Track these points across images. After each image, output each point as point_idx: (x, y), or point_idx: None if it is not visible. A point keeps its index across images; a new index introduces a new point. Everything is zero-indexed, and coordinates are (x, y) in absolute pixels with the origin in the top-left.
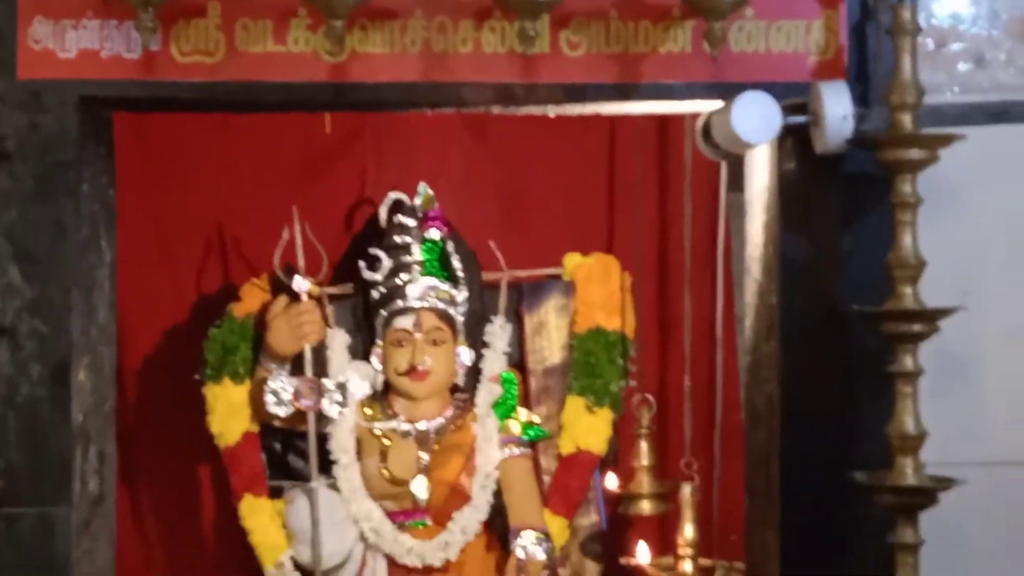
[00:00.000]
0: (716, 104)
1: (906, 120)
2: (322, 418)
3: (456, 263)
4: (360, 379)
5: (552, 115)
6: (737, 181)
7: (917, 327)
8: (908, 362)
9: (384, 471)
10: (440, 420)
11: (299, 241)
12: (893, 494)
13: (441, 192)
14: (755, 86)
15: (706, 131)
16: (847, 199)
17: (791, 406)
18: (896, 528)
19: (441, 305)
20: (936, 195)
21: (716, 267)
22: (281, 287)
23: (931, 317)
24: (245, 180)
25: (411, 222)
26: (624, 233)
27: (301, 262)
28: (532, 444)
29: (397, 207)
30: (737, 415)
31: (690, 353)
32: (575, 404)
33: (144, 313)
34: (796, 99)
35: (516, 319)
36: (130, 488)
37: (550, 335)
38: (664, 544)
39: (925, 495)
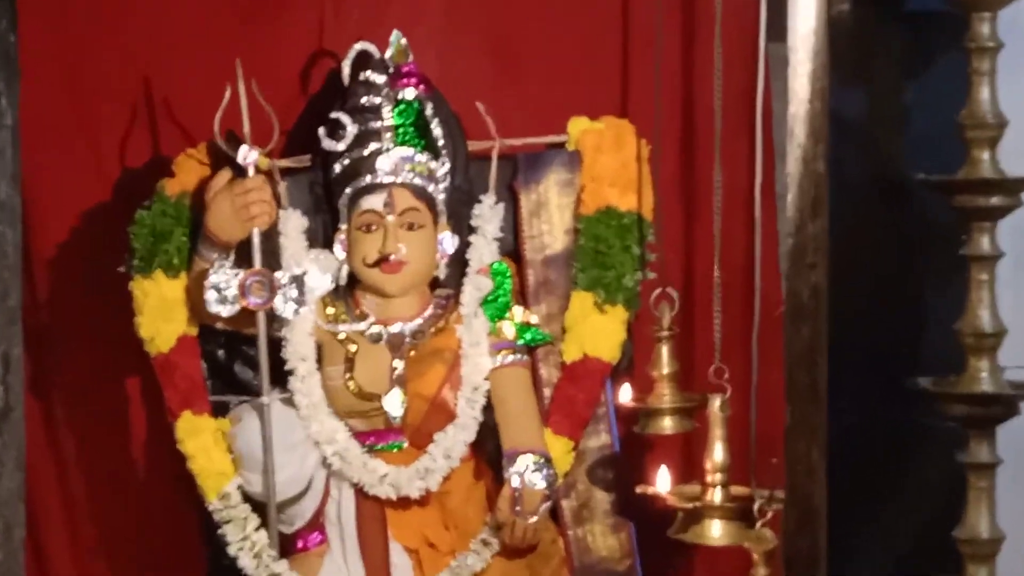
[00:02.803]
0: None
1: None
2: (274, 319)
3: (436, 129)
4: (320, 271)
5: None
6: (778, 25)
7: (995, 200)
8: (984, 243)
9: (350, 383)
10: (418, 321)
11: (244, 102)
12: (964, 403)
13: (417, 42)
14: None
15: None
16: (910, 44)
17: (841, 297)
18: (967, 444)
19: (418, 180)
20: (1020, 38)
21: (752, 131)
22: (223, 159)
23: (1012, 188)
24: (179, 26)
25: (381, 79)
26: (641, 91)
27: (247, 128)
28: (529, 350)
29: (363, 61)
30: (777, 310)
31: (720, 237)
32: (581, 301)
33: (56, 189)
34: None
35: (510, 197)
36: (41, 401)
37: (551, 217)
38: (689, 469)
39: (1003, 404)
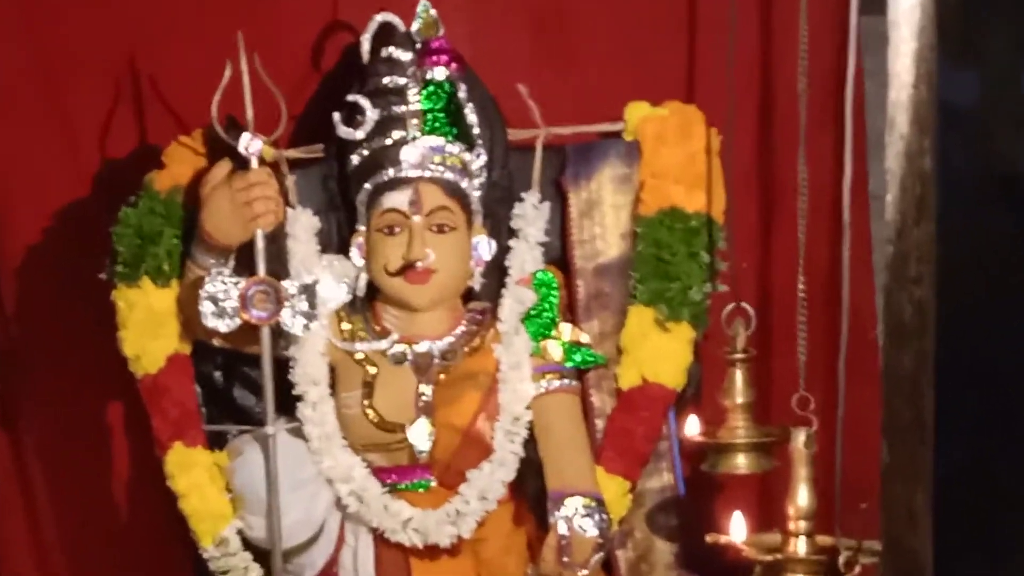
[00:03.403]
0: None
1: None
2: (281, 336)
3: (470, 115)
4: (334, 280)
5: None
6: None
7: None
8: None
9: (369, 411)
10: (448, 339)
11: (246, 82)
12: None
13: (448, 12)
14: None
15: None
16: None
17: (950, 315)
18: None
19: (449, 175)
20: None
21: (840, 120)
22: (222, 148)
23: None
24: None
25: (406, 56)
26: (711, 73)
27: (250, 113)
28: (579, 374)
29: (386, 34)
30: (872, 330)
31: (805, 243)
32: (640, 317)
33: (26, 184)
34: None
35: (557, 195)
36: (8, 430)
37: (604, 218)
38: (766, 515)
39: None
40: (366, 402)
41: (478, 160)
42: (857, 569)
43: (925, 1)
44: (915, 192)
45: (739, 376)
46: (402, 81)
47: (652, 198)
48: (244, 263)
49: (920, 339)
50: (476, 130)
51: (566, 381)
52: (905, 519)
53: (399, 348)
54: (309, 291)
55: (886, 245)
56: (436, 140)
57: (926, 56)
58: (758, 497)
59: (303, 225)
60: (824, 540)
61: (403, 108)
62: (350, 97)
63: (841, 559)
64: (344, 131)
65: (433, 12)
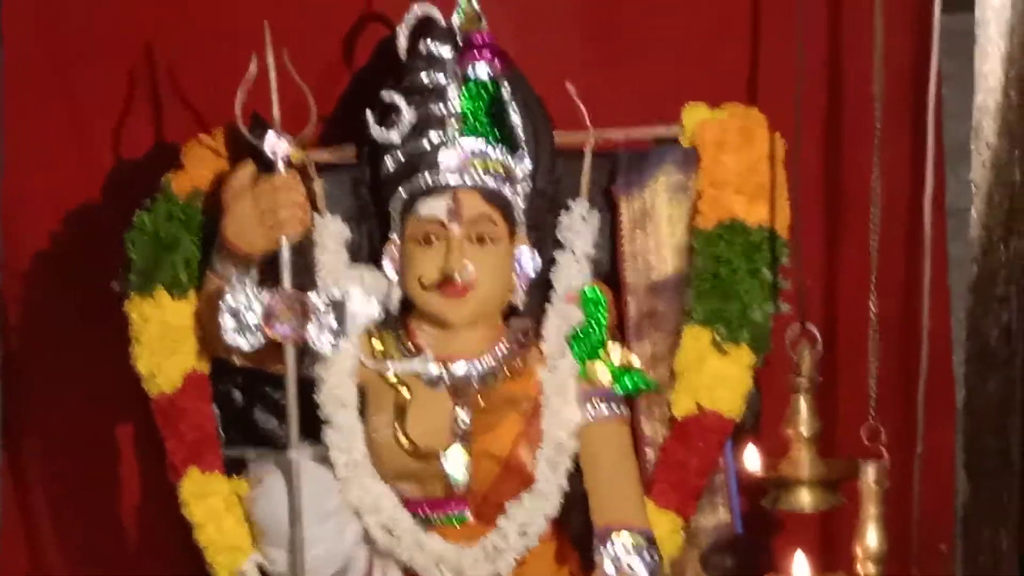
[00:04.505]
0: None
1: None
2: (307, 354)
3: (514, 116)
4: (365, 294)
5: None
6: None
7: None
8: None
9: (401, 437)
10: (488, 360)
11: (273, 77)
12: None
13: (493, 5)
14: None
15: None
16: None
17: None
18: None
19: (491, 181)
20: None
21: (915, 126)
22: (245, 149)
23: None
24: None
25: (446, 52)
26: (776, 73)
27: (276, 111)
28: (629, 400)
29: (424, 28)
30: (949, 357)
31: (877, 261)
32: (697, 339)
33: (35, 184)
34: None
35: (607, 205)
36: (11, 453)
37: (659, 231)
38: (832, 557)
39: None
40: (398, 427)
41: (522, 165)
42: None
43: None
44: (1003, 206)
45: (803, 404)
46: (441, 79)
47: (710, 209)
48: (268, 274)
49: (1007, 366)
50: (520, 133)
51: (614, 407)
52: (989, 563)
53: (434, 369)
54: (338, 306)
55: (971, 264)
56: (477, 143)
57: (1017, 59)
58: (822, 537)
59: (332, 234)
60: None
61: (442, 108)
62: (384, 95)
63: None
64: (378, 132)
65: (475, 4)
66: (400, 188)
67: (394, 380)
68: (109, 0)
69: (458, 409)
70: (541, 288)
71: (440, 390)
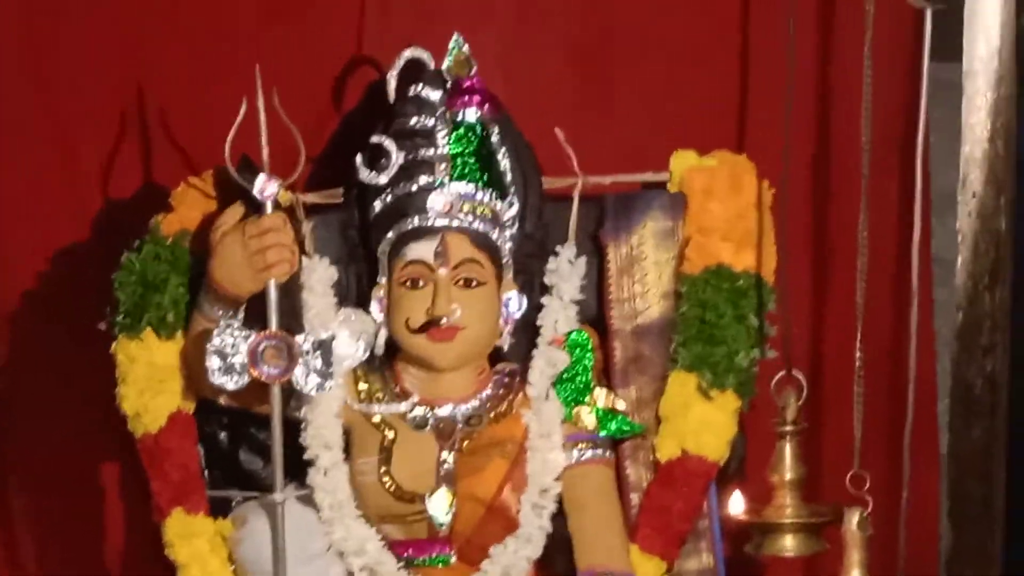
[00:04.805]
0: None
1: None
2: (292, 395)
3: (503, 160)
4: (351, 336)
5: None
6: (948, 43)
7: None
8: None
9: (386, 479)
10: (473, 403)
11: (262, 119)
12: None
13: (483, 49)
14: None
15: None
16: None
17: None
18: None
19: (479, 225)
20: None
21: (901, 174)
22: (234, 190)
23: None
24: (181, 19)
25: (435, 95)
26: (764, 120)
27: (265, 153)
28: (614, 444)
29: (414, 71)
30: (934, 404)
31: (863, 308)
32: (682, 384)
33: (22, 223)
34: None
35: (595, 250)
36: None
37: (645, 276)
38: None
39: None
40: (383, 469)
41: (510, 210)
42: None
43: (1004, 48)
44: (989, 255)
45: (788, 450)
46: (430, 122)
47: (698, 255)
48: (255, 315)
49: (991, 414)
50: (509, 177)
51: (600, 451)
52: None
53: (420, 411)
54: (324, 347)
55: (956, 312)
56: (466, 187)
57: (1003, 109)
58: None
59: (319, 276)
60: None
61: (431, 151)
62: (374, 138)
63: None
64: (366, 175)
65: (466, 48)
66: (388, 231)
67: (379, 422)
68: (99, 41)
69: (443, 452)
70: (527, 331)
71: (425, 432)
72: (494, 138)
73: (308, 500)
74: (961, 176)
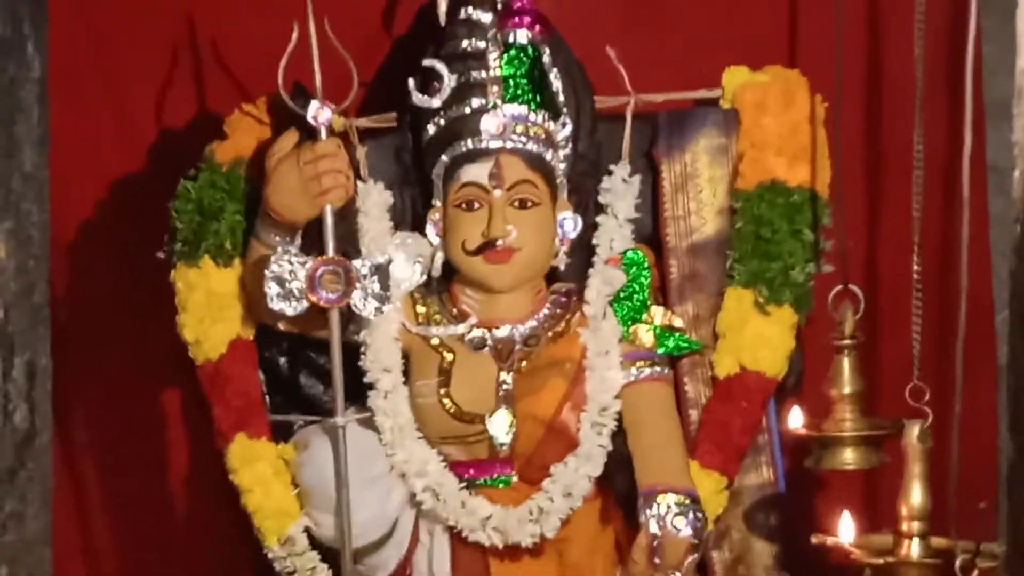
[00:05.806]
0: None
1: None
2: (351, 319)
3: (555, 81)
4: (408, 260)
5: None
6: None
7: None
8: None
9: (446, 400)
10: (531, 324)
11: (314, 46)
12: None
13: None
14: None
15: None
16: None
17: None
18: None
19: (532, 146)
20: None
21: (955, 85)
22: (288, 117)
23: None
24: None
25: (486, 17)
26: (816, 35)
27: (318, 79)
28: (672, 361)
29: None
30: (991, 316)
31: (920, 222)
32: (739, 300)
33: (78, 155)
34: None
35: (649, 168)
36: (61, 421)
37: (700, 193)
38: (873, 515)
39: None
40: (443, 391)
41: (563, 130)
42: (975, 573)
43: None
44: None
45: (846, 364)
46: (482, 44)
47: (751, 171)
48: (312, 241)
49: None
50: (561, 97)
51: (658, 369)
52: None
53: (478, 333)
54: (381, 271)
55: (1014, 224)
56: (518, 108)
57: None
58: (866, 495)
59: (375, 200)
60: (939, 542)
61: (483, 74)
62: (426, 62)
63: (958, 563)
64: (419, 98)
65: None
66: (442, 154)
67: (438, 344)
68: None
69: (502, 373)
70: (583, 251)
71: (484, 354)
72: (545, 59)
73: (369, 423)
74: (1017, 87)
